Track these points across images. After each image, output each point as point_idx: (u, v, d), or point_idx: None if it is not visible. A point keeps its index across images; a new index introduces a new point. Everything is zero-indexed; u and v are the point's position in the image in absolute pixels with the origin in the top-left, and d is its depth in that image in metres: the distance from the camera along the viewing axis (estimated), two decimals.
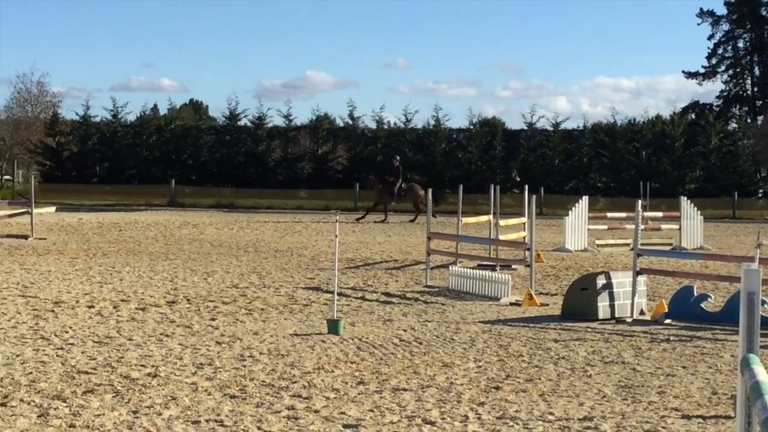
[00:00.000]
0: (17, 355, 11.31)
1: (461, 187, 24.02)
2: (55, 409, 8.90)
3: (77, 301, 15.79)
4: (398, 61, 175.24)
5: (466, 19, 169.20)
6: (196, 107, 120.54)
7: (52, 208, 46.27)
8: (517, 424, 8.79)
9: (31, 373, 10.38)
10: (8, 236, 28.81)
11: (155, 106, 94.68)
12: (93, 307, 15.26)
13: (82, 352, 11.58)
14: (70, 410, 8.87)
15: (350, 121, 63.77)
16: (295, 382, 10.25)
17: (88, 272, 20.02)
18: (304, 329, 13.63)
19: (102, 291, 17.18)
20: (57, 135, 67.34)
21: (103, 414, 8.76)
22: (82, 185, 60.54)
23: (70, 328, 13.31)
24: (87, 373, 10.42)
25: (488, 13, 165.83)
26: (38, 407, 8.95)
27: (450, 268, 19.42)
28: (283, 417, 8.85)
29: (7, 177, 76.65)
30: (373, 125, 63.60)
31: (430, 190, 38.52)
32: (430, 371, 10.96)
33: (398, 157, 45.51)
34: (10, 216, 32.74)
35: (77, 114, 68.22)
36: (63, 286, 17.78)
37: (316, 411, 9.08)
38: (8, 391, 9.52)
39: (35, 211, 30.42)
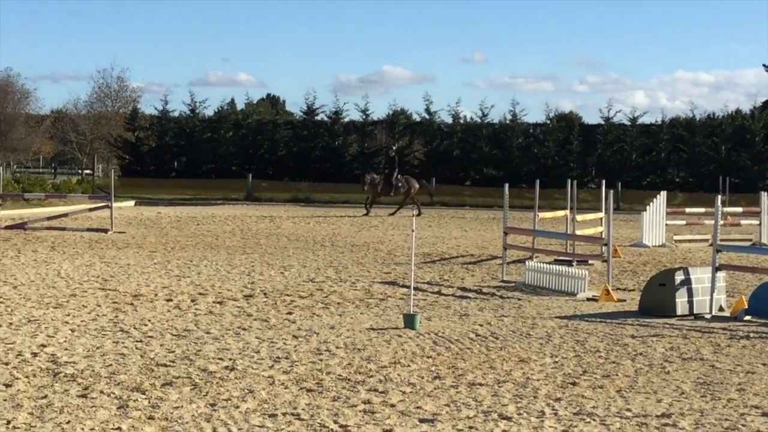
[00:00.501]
0: (97, 348, 11.45)
1: (538, 182, 23.86)
2: (134, 401, 9.00)
3: (156, 295, 15.95)
4: (475, 55, 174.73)
5: (543, 14, 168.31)
6: (273, 102, 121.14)
7: (132, 202, 46.87)
8: (594, 420, 8.74)
9: (110, 365, 10.51)
10: (89, 230, 29.18)
11: (233, 100, 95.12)
12: (171, 300, 15.41)
13: (161, 345, 11.70)
14: (149, 402, 8.97)
15: (426, 116, 63.61)
16: (371, 376, 10.27)
17: (166, 266, 20.21)
18: (380, 323, 13.65)
19: (180, 284, 17.34)
20: (136, 130, 67.99)
21: (182, 406, 8.85)
22: (161, 179, 61.04)
23: (149, 321, 13.45)
24: (165, 365, 10.52)
25: (566, 7, 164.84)
26: (118, 399, 9.06)
27: (526, 263, 19.34)
28: (360, 411, 8.87)
29: (88, 171, 77.64)
30: (449, 120, 63.43)
31: (423, 183, 38.01)
32: (506, 366, 10.93)
33: (394, 147, 45.28)
34: (91, 210, 33.15)
35: (156, 109, 68.80)
36: (142, 279, 17.97)
37: (392, 405, 9.09)
38: (89, 382, 9.65)
39: (115, 205, 30.77)
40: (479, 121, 62.47)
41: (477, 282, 18.78)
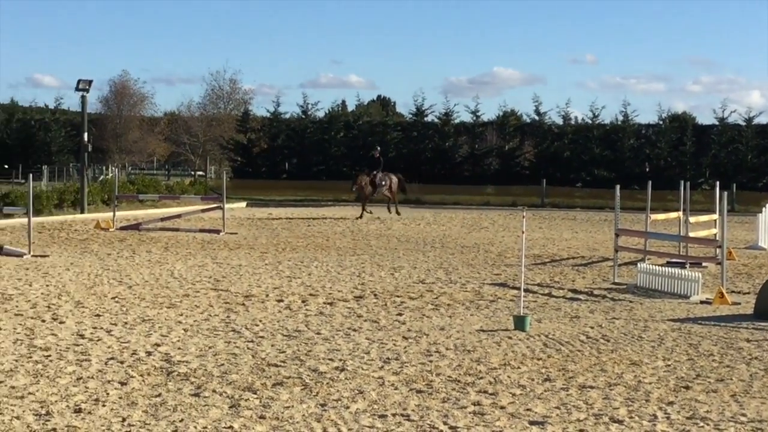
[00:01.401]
0: (210, 347, 11.59)
1: (650, 183, 23.57)
2: (245, 400, 9.09)
3: (267, 295, 16.09)
4: (586, 56, 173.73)
5: (655, 14, 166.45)
6: (383, 103, 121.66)
7: (243, 204, 47.37)
8: (708, 424, 8.60)
9: (223, 364, 10.62)
10: (201, 231, 29.57)
11: (343, 102, 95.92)
12: (282, 301, 15.53)
13: (272, 345, 11.79)
14: (260, 402, 9.05)
15: (537, 117, 63.32)
16: (481, 378, 10.24)
17: (277, 266, 20.38)
18: (490, 325, 13.61)
19: (291, 285, 17.47)
20: (248, 131, 68.68)
21: (292, 406, 8.91)
22: (272, 181, 61.57)
23: (260, 321, 13.57)
24: (276, 365, 10.61)
25: (678, 7, 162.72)
26: (230, 398, 9.15)
27: (638, 265, 19.12)
28: (469, 413, 8.85)
29: (200, 173, 78.68)
30: (559, 121, 63.04)
31: (400, 177, 36.71)
32: (617, 369, 10.82)
33: (379, 148, 43.76)
34: (203, 211, 33.60)
35: (267, 111, 69.45)
36: (253, 280, 18.14)
37: (502, 407, 9.05)
38: (201, 381, 9.77)
39: (227, 206, 31.14)
40: (590, 122, 62.00)
41: (588, 284, 18.62)
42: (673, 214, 24.89)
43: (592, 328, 13.56)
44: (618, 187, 20.91)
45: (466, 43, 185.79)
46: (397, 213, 40.04)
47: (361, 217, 38.16)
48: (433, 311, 14.77)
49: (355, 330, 13.01)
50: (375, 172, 39.49)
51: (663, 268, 18.29)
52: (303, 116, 67.27)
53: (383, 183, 39.57)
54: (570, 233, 32.10)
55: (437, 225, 35.02)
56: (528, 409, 8.98)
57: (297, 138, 65.95)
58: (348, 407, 8.93)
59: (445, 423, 8.50)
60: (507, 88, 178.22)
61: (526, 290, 15.62)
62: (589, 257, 23.80)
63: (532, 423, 8.56)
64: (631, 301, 16.34)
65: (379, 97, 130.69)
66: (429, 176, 60.08)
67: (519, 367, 10.77)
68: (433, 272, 19.92)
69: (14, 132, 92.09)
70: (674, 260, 20.83)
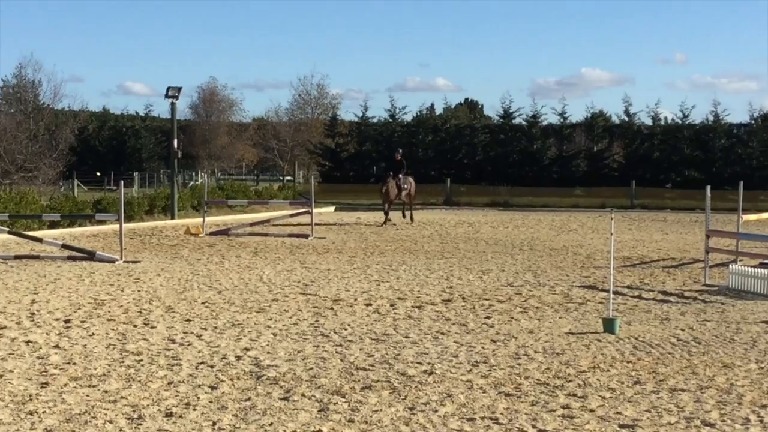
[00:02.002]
0: (298, 351, 11.65)
1: (741, 183, 23.25)
2: (334, 404, 9.12)
3: (355, 299, 16.13)
4: (675, 56, 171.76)
5: (745, 12, 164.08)
6: (471, 106, 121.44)
7: (332, 208, 47.59)
8: None
9: (311, 368, 10.68)
10: (290, 235, 29.74)
11: (431, 105, 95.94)
12: (371, 304, 15.56)
13: (360, 349, 11.82)
14: (348, 405, 9.08)
15: (626, 118, 62.77)
16: (570, 380, 10.18)
17: (365, 270, 20.43)
18: (579, 328, 13.52)
19: (379, 289, 17.50)
20: (336, 136, 68.96)
21: (381, 410, 8.93)
22: (360, 185, 61.74)
23: (349, 325, 13.61)
24: (365, 369, 10.64)
25: None
26: (319, 402, 9.20)
27: (730, 266, 18.86)
28: (558, 416, 8.80)
29: (289, 177, 79.19)
30: (648, 122, 62.43)
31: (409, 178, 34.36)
32: (709, 372, 10.68)
33: (400, 150, 40.46)
34: (292, 216, 33.77)
35: (355, 115, 69.75)
36: (342, 284, 18.21)
37: (592, 410, 8.99)
38: (290, 385, 9.82)
39: (315, 210, 31.29)
40: (680, 122, 61.30)
41: (678, 286, 18.41)
42: (765, 215, 24.53)
43: (683, 330, 13.41)
44: (708, 187, 20.63)
45: (554, 44, 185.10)
46: (411, 219, 38.07)
47: (385, 223, 36.14)
48: (522, 314, 14.71)
49: (443, 333, 13.00)
50: (400, 176, 37.47)
51: (756, 269, 18.02)
52: (390, 120, 67.38)
53: (405, 186, 37.72)
54: (660, 235, 31.78)
55: (525, 228, 34.87)
56: (618, 413, 8.91)
57: (384, 142, 66.04)
58: (436, 411, 8.93)
59: (534, 426, 8.46)
60: (595, 89, 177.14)
61: (615, 292, 15.49)
62: (679, 259, 23.54)
63: (621, 426, 8.49)
64: (723, 303, 16.13)
65: (466, 100, 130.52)
66: (516, 179, 59.87)
67: (608, 370, 10.69)
68: (522, 275, 19.83)
69: (106, 139, 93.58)
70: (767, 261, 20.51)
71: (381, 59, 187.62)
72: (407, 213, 38.45)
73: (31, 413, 8.71)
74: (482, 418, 8.68)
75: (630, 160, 60.40)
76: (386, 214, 36.70)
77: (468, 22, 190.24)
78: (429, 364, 10.96)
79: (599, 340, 12.52)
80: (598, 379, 10.23)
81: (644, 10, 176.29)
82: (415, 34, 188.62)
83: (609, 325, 13.15)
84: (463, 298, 16.33)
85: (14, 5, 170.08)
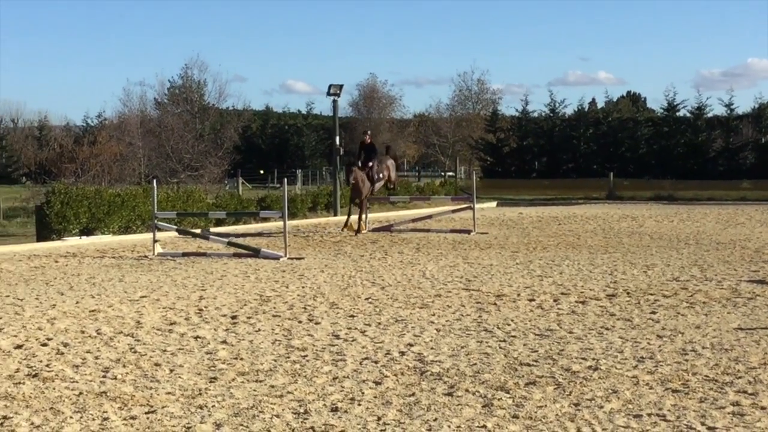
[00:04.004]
0: (462, 347, 11.65)
1: None
2: (498, 399, 9.09)
3: (518, 294, 16.06)
4: None
5: None
6: (633, 99, 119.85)
7: (493, 203, 47.48)
8: None
9: (475, 364, 10.66)
10: (452, 231, 29.76)
11: (593, 99, 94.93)
12: (534, 300, 15.47)
13: (524, 345, 11.76)
14: (513, 401, 9.03)
15: None
16: (739, 377, 9.95)
17: (528, 266, 20.32)
18: (748, 323, 13.20)
19: (542, 284, 17.39)
20: (497, 131, 68.87)
21: (545, 405, 8.86)
22: (522, 180, 61.55)
23: (512, 320, 13.55)
24: (529, 365, 10.57)
25: None
26: (482, 397, 9.17)
27: None
28: (728, 413, 8.61)
29: (450, 173, 79.27)
30: None
31: (395, 156, 31.15)
32: None
33: (369, 132, 33.49)
34: (454, 211, 33.82)
35: (516, 110, 69.56)
36: (504, 279, 18.14)
37: (763, 408, 8.77)
38: (454, 381, 9.82)
39: (477, 206, 31.25)
40: None
41: None
42: None
43: None
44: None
45: (719, 34, 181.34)
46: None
47: (358, 230, 29.60)
48: (688, 309, 14.43)
49: (607, 329, 12.84)
50: (370, 164, 30.30)
51: None
52: (551, 114, 66.97)
53: (380, 176, 30.79)
54: None
55: (691, 221, 34.25)
56: None
57: (545, 136, 65.71)
58: (602, 407, 8.82)
59: (702, 423, 8.29)
60: (762, 79, 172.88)
61: None
62: None
63: None
64: None
65: (628, 93, 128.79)
66: (681, 172, 58.93)
67: None
68: (688, 269, 19.46)
69: (269, 137, 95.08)
70: None
71: (541, 53, 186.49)
72: (364, 216, 30.52)
73: (200, 407, 8.90)
74: (649, 415, 8.55)
75: None
76: (360, 214, 30.13)
77: (630, 14, 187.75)
78: (594, 359, 10.83)
79: None
80: None
81: None
82: (576, 28, 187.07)
83: None
84: (628, 293, 16.11)
85: (181, 8, 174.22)
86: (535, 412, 8.63)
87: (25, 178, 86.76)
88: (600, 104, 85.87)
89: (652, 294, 16.00)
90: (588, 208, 44.83)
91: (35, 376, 10.21)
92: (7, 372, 10.42)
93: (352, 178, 29.61)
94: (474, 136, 73.99)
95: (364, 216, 30.28)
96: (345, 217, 31.22)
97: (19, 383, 9.87)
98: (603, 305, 14.86)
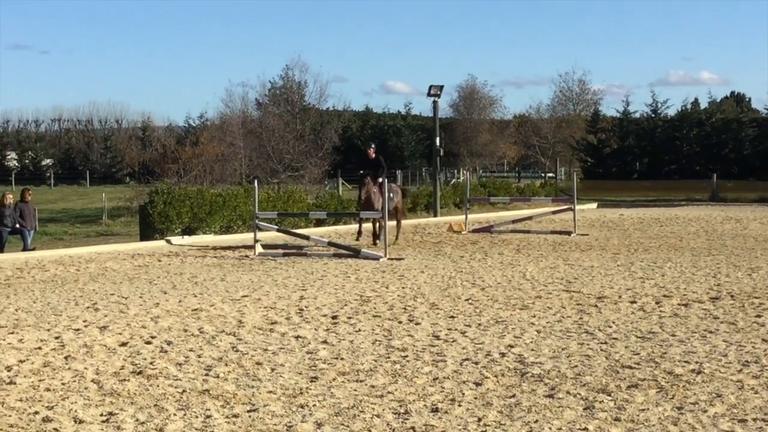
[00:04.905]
0: (563, 349, 11.58)
1: None
2: (600, 402, 9.02)
3: (620, 297, 15.91)
4: None
5: None
6: (737, 100, 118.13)
7: (594, 205, 47.10)
8: None
9: (576, 366, 10.59)
10: (552, 232, 29.61)
11: (695, 100, 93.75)
12: (635, 302, 15.31)
13: (626, 347, 11.65)
14: (614, 404, 8.96)
15: None
16: None
17: (629, 267, 20.12)
18: None
19: (644, 286, 17.20)
20: (597, 132, 68.35)
21: (648, 409, 8.77)
22: (622, 181, 61.00)
23: (613, 323, 13.43)
24: (630, 367, 10.47)
25: None
26: (584, 400, 9.11)
27: None
28: None
29: (550, 174, 78.81)
30: None
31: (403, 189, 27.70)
32: None
33: (373, 145, 27.88)
34: (554, 213, 33.64)
35: (617, 111, 68.97)
36: (605, 281, 17.99)
37: None
38: (555, 383, 9.77)
39: (577, 207, 31.06)
40: None
41: None
42: None
43: None
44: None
45: None
46: (396, 238, 27.35)
47: (358, 238, 26.44)
48: None
49: (711, 332, 12.67)
50: (380, 179, 26.21)
51: None
52: (653, 115, 66.28)
53: (391, 195, 26.59)
54: None
55: None
56: None
57: (647, 137, 65.07)
58: (705, 411, 8.71)
59: None
60: None
61: None
62: None
63: None
64: None
65: (732, 93, 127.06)
66: None
67: None
68: None
69: (368, 138, 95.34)
70: None
71: (643, 54, 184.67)
72: (380, 232, 25.53)
73: (301, 406, 8.96)
74: (754, 420, 8.42)
75: None
76: (375, 231, 26.79)
77: (734, 13, 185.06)
78: (697, 363, 10.70)
79: None
80: None
81: None
82: (679, 28, 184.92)
83: None
84: (732, 296, 15.87)
85: (282, 9, 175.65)
86: (637, 416, 8.55)
87: (128, 178, 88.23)
88: (703, 105, 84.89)
89: (756, 297, 15.74)
90: (690, 209, 44.28)
91: (140, 373, 10.37)
92: (112, 369, 10.60)
93: (365, 191, 25.84)
94: (575, 136, 73.50)
95: (377, 230, 26.14)
96: (447, 219, 31.15)
97: (124, 380, 10.03)
98: (706, 308, 14.66)
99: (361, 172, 26.87)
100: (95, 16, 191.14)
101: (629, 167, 65.79)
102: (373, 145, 27.67)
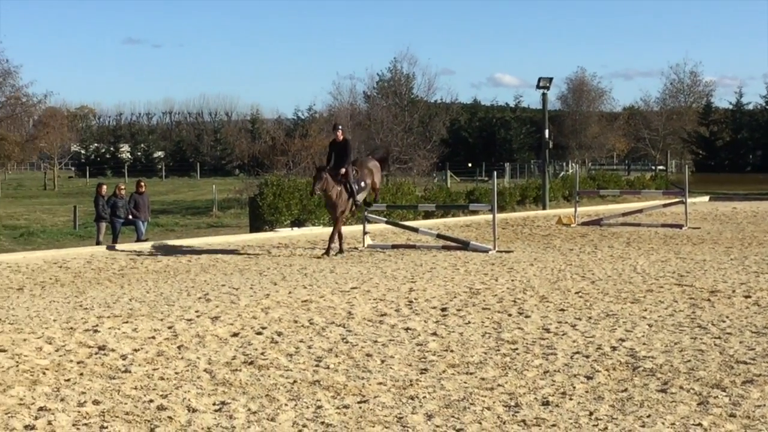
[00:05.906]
0: (675, 343, 11.42)
1: None
2: (714, 397, 8.88)
3: (733, 291, 15.65)
4: None
5: None
6: None
7: (706, 198, 46.41)
8: None
9: (689, 360, 10.44)
10: (663, 225, 29.25)
11: None
12: (749, 296, 15.05)
13: (740, 342, 11.46)
14: (729, 399, 8.81)
15: None
16: None
17: (743, 261, 19.78)
18: None
19: (758, 281, 16.89)
20: (710, 124, 67.37)
21: (764, 405, 8.61)
22: (735, 174, 60.06)
23: (727, 317, 13.22)
24: (746, 363, 10.30)
25: None
26: (697, 395, 8.98)
27: None
28: None
29: (661, 167, 77.88)
30: None
31: (379, 158, 24.09)
32: None
33: (341, 127, 23.40)
34: (665, 206, 33.21)
35: (729, 103, 67.91)
36: (718, 275, 17.70)
37: None
38: (668, 377, 9.64)
39: (689, 200, 30.62)
40: None
41: None
42: None
43: None
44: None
45: None
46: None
47: (327, 251, 22.20)
48: None
49: None
50: (342, 171, 22.47)
51: None
52: (767, 107, 65.09)
53: (363, 184, 23.09)
54: None
55: None
56: None
57: (761, 129, 63.94)
58: None
59: None
60: None
61: None
62: None
63: None
64: None
65: None
66: None
67: None
68: None
69: (476, 130, 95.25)
70: None
71: (758, 45, 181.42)
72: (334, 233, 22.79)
73: (411, 398, 8.96)
74: None
75: None
76: (333, 235, 22.79)
77: None
78: None
79: None
80: None
81: None
82: None
83: None
84: None
85: (391, 2, 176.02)
86: (753, 412, 8.40)
87: (238, 170, 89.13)
88: None
89: None
90: None
91: (251, 363, 10.47)
92: (224, 359, 10.71)
93: (319, 186, 22.10)
94: (686, 129, 72.52)
95: (336, 236, 22.73)
96: (556, 211, 30.98)
97: (236, 370, 10.13)
98: None
99: (317, 166, 24.71)
100: (206, 10, 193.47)
101: (742, 160, 64.76)
102: (341, 127, 23.51)
